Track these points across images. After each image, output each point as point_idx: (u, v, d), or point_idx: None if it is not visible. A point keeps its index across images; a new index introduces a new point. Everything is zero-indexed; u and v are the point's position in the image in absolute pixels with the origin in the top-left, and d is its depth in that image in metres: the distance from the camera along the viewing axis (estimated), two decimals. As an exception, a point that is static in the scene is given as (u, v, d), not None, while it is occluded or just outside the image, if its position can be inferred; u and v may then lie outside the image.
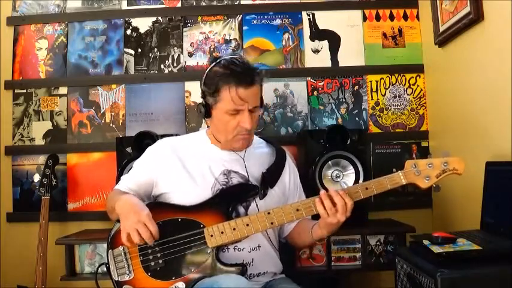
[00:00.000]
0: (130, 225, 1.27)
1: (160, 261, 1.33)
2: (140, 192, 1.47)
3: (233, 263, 1.34)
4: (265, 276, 1.44)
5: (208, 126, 1.55)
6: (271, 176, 1.48)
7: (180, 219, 1.36)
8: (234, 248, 1.39)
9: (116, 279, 1.34)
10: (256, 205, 1.42)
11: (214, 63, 1.40)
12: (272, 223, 1.33)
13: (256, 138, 1.59)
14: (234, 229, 1.33)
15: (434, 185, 1.33)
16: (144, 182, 1.47)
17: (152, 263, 1.33)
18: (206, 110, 1.43)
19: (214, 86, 1.36)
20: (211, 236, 1.33)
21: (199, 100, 2.37)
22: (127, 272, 1.33)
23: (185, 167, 1.45)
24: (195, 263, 1.33)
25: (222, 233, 1.33)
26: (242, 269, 1.33)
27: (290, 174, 1.55)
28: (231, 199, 1.40)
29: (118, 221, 1.37)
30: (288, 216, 1.33)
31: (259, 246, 1.42)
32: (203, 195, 1.40)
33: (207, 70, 1.41)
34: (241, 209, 1.42)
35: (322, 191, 1.31)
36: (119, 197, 1.38)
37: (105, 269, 1.38)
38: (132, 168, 1.54)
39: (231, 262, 1.35)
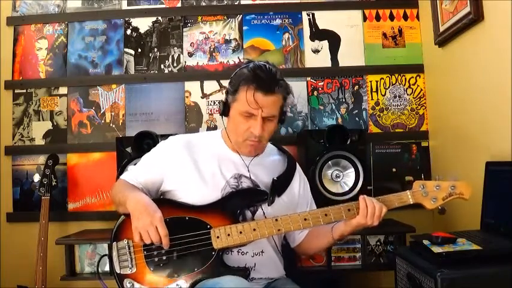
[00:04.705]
0: (143, 226, 1.27)
1: (164, 257, 1.32)
2: (148, 186, 1.46)
3: (236, 266, 1.35)
4: (266, 279, 1.44)
5: (215, 126, 1.55)
6: (281, 183, 1.47)
7: (187, 218, 1.36)
8: (238, 252, 1.39)
9: (118, 271, 1.33)
10: (264, 212, 1.41)
11: (244, 65, 1.43)
12: (279, 230, 1.34)
13: (268, 145, 1.58)
14: (241, 233, 1.33)
15: (439, 207, 1.36)
16: (154, 177, 1.46)
17: (156, 259, 1.32)
18: (224, 109, 1.44)
19: (236, 85, 1.39)
20: (218, 237, 1.33)
21: (199, 100, 2.42)
22: (129, 265, 1.32)
23: (197, 166, 1.44)
24: (199, 262, 1.32)
25: (229, 235, 1.33)
26: (244, 273, 1.33)
27: (300, 184, 1.55)
28: (239, 203, 1.40)
29: (125, 214, 1.36)
30: (295, 224, 1.34)
31: (262, 252, 1.42)
32: (212, 196, 1.39)
33: (237, 69, 1.44)
34: (249, 214, 1.42)
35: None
36: (128, 193, 1.36)
37: (105, 269, 1.37)
38: (142, 161, 1.52)
39: (233, 265, 1.35)
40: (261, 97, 1.35)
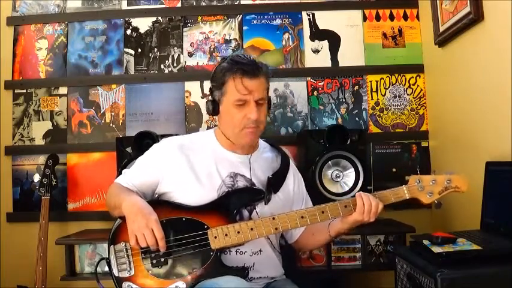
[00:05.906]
0: (138, 229, 1.27)
1: (162, 259, 1.32)
2: (143, 189, 1.46)
3: (234, 266, 1.34)
4: (265, 279, 1.44)
5: (215, 126, 1.55)
6: (276, 181, 1.47)
7: (184, 219, 1.36)
8: (236, 251, 1.39)
9: (117, 275, 1.33)
10: (260, 210, 1.41)
11: (221, 61, 1.44)
12: (276, 228, 1.33)
13: (261, 142, 1.58)
14: (238, 232, 1.32)
15: (436, 201, 1.35)
16: (149, 179, 1.45)
17: (154, 261, 1.32)
18: (214, 107, 1.44)
19: (221, 79, 1.40)
20: (215, 237, 1.33)
21: (199, 100, 2.42)
22: (128, 268, 1.32)
23: (192, 166, 1.43)
24: (197, 263, 1.32)
25: (226, 235, 1.33)
26: (243, 272, 1.33)
27: (294, 180, 1.55)
28: (236, 202, 1.39)
29: (120, 217, 1.36)
30: (293, 222, 1.34)
31: (260, 251, 1.42)
32: (208, 196, 1.39)
33: (215, 67, 1.45)
34: (245, 213, 1.41)
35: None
36: (124, 196, 1.36)
37: (105, 269, 1.37)
38: (136, 164, 1.51)
39: (232, 265, 1.35)
40: (249, 82, 1.36)
